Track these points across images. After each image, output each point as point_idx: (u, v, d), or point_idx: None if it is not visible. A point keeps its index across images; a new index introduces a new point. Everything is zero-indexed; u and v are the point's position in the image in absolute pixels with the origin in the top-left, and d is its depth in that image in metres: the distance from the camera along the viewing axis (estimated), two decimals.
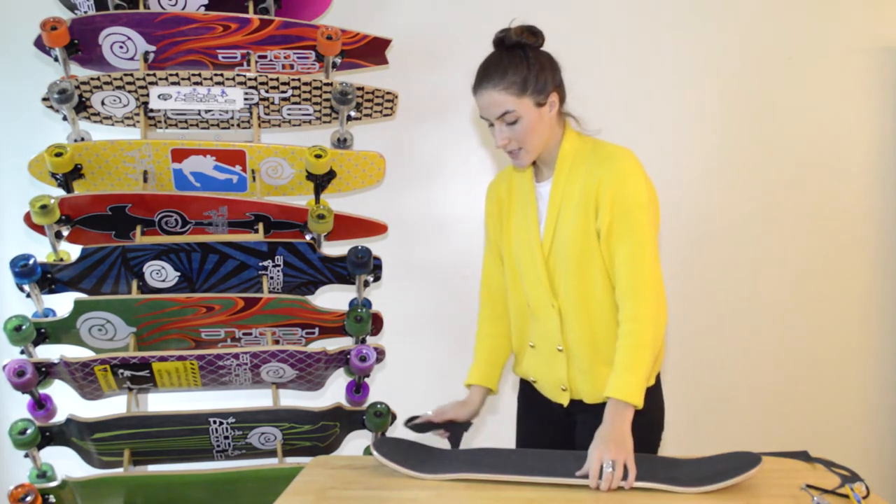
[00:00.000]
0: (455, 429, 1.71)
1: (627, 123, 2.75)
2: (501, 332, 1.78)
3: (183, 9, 2.31)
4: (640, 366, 1.49)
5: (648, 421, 1.64)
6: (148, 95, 2.24)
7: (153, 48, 2.28)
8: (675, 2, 2.73)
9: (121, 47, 2.27)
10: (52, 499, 2.06)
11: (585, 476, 1.42)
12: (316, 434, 2.16)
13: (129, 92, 2.24)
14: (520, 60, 1.54)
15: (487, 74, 1.55)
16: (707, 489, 1.37)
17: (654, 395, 1.65)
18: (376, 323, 2.29)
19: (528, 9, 2.71)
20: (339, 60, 2.36)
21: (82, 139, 2.26)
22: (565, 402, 1.67)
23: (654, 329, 1.51)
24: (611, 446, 1.43)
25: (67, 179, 2.15)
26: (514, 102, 1.53)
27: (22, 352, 2.11)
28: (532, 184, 1.67)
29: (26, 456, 2.14)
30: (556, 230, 1.60)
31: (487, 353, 1.77)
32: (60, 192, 2.16)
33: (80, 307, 2.09)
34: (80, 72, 2.32)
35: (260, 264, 2.19)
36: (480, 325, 1.81)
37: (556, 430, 1.72)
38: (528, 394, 1.79)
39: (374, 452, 1.55)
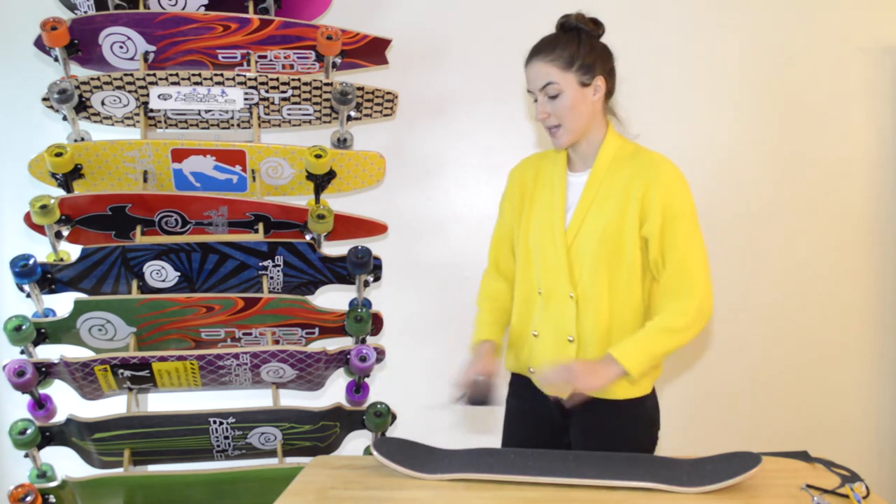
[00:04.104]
0: (488, 384, 1.63)
1: (633, 118, 2.75)
2: (505, 293, 1.79)
3: (183, 9, 2.31)
4: (654, 349, 1.54)
5: (647, 418, 1.67)
6: (148, 95, 2.24)
7: (153, 48, 2.28)
8: (677, 4, 2.73)
9: (121, 47, 2.27)
10: (52, 499, 2.06)
11: (584, 476, 1.43)
12: (316, 434, 2.16)
13: (129, 92, 2.24)
14: (572, 39, 1.59)
15: (539, 48, 1.61)
16: (707, 489, 1.37)
17: (653, 396, 1.69)
18: (376, 323, 2.29)
19: (528, 9, 2.72)
20: (339, 60, 2.36)
21: (82, 139, 2.26)
22: (566, 395, 1.65)
23: (689, 331, 1.55)
24: (583, 366, 1.51)
25: (67, 179, 2.15)
26: (558, 75, 1.57)
27: (22, 352, 2.11)
28: (564, 172, 1.68)
29: (26, 456, 2.14)
30: (584, 220, 1.61)
31: (493, 314, 1.77)
32: (60, 192, 2.16)
33: (80, 307, 2.09)
34: (80, 72, 2.32)
35: (260, 264, 2.19)
36: (484, 286, 1.82)
37: (547, 431, 1.71)
38: (520, 393, 1.76)
39: (374, 452, 1.55)
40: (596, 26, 1.63)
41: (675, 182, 1.58)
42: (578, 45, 1.58)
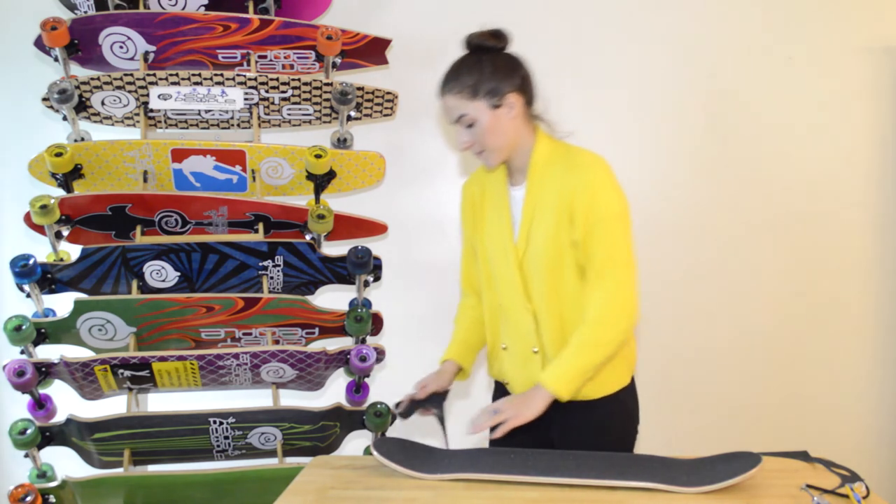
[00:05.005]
0: (437, 401, 1.70)
1: (631, 123, 2.75)
2: (481, 318, 1.79)
3: (183, 9, 2.31)
4: (583, 367, 1.52)
5: (627, 413, 1.69)
6: (148, 95, 2.24)
7: (153, 48, 2.28)
8: (677, 1, 2.74)
9: (121, 47, 2.27)
10: (52, 499, 2.06)
11: (584, 476, 1.43)
12: (316, 434, 2.16)
13: (129, 92, 2.24)
14: (474, 64, 1.57)
15: (445, 80, 1.60)
16: (707, 489, 1.37)
17: (629, 389, 1.70)
18: (376, 323, 2.29)
19: (527, 9, 2.72)
20: (339, 60, 2.36)
21: (82, 139, 2.26)
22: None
23: (613, 339, 1.53)
24: (514, 404, 1.50)
25: (67, 179, 2.15)
26: (468, 106, 1.56)
27: (22, 352, 2.11)
28: (506, 187, 1.68)
29: (26, 456, 2.14)
30: (530, 234, 1.61)
31: (464, 334, 1.80)
32: (60, 192, 2.16)
33: (80, 307, 2.09)
34: (80, 72, 2.32)
35: (260, 264, 2.19)
36: (460, 311, 1.84)
37: (530, 434, 1.69)
38: (503, 396, 1.78)
39: (374, 452, 1.55)
40: (498, 40, 1.60)
41: (598, 184, 1.55)
42: (481, 70, 1.56)
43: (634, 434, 1.71)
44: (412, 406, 1.70)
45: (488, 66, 1.57)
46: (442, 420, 1.71)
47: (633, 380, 1.71)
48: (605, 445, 1.60)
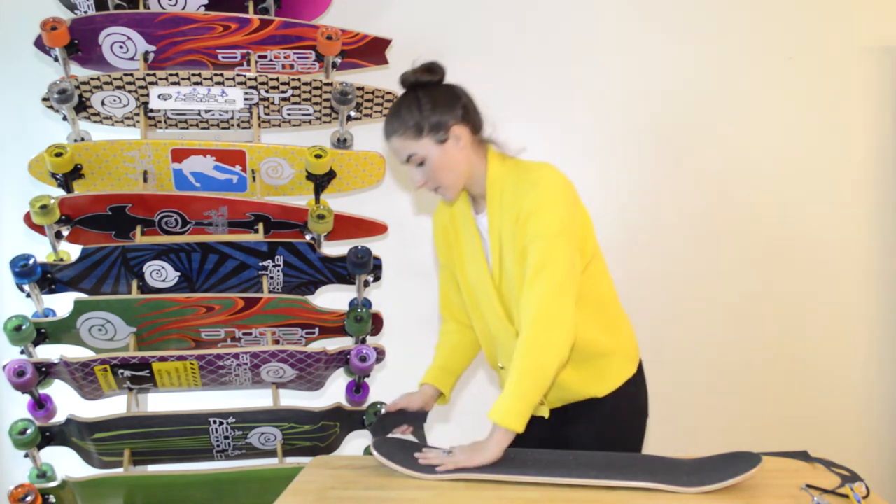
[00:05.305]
0: (413, 422, 1.71)
1: (630, 116, 2.75)
2: (461, 344, 1.81)
3: (183, 9, 2.31)
4: (528, 395, 1.48)
5: (636, 406, 1.71)
6: (148, 95, 2.24)
7: (153, 48, 2.28)
8: (677, 4, 2.74)
9: (121, 47, 2.27)
10: (52, 499, 2.06)
11: (584, 476, 1.43)
12: (316, 434, 2.16)
13: (129, 92, 2.24)
14: (412, 102, 1.56)
15: (388, 122, 1.58)
16: (707, 489, 1.37)
17: (637, 382, 1.71)
18: (376, 323, 2.29)
19: (527, 9, 2.72)
20: (339, 60, 2.36)
21: (82, 139, 2.26)
22: (546, 415, 1.69)
23: (547, 362, 1.48)
24: (467, 449, 1.49)
25: (67, 179, 2.15)
26: (414, 146, 1.56)
27: (22, 352, 2.11)
28: (471, 215, 1.67)
29: (26, 456, 2.14)
30: (502, 261, 1.60)
31: (444, 359, 1.80)
32: (60, 192, 2.16)
33: (80, 307, 2.09)
34: (80, 72, 2.32)
35: (260, 264, 2.19)
36: (440, 336, 1.85)
37: (545, 431, 1.72)
38: None
39: (374, 452, 1.55)
40: (433, 73, 1.58)
41: (540, 203, 1.52)
42: (420, 107, 1.54)
43: (644, 423, 1.72)
44: (382, 422, 1.71)
45: (427, 102, 1.55)
46: (423, 442, 1.70)
47: (639, 368, 1.72)
48: (616, 438, 1.61)
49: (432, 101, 1.55)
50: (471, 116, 1.60)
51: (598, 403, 1.66)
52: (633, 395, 1.70)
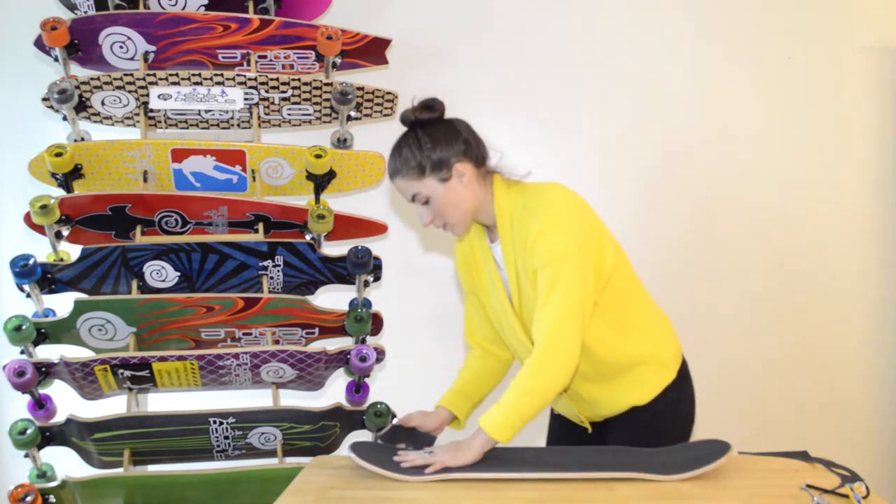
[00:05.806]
0: (417, 444, 1.67)
1: (630, 116, 2.75)
2: (483, 370, 1.78)
3: (183, 9, 2.31)
4: (525, 413, 1.49)
5: (679, 412, 1.71)
6: (148, 95, 2.24)
7: (153, 48, 2.28)
8: (678, 3, 2.74)
9: (121, 47, 2.27)
10: (52, 499, 2.06)
11: (575, 471, 1.45)
12: (316, 434, 2.16)
13: (129, 92, 2.24)
14: (413, 143, 1.55)
15: (391, 162, 1.58)
16: (683, 476, 1.42)
17: (679, 386, 1.69)
18: (376, 323, 2.29)
19: (527, 9, 2.72)
20: (339, 60, 2.36)
21: (82, 139, 2.25)
22: (590, 428, 1.73)
23: (550, 386, 1.49)
24: (450, 448, 1.50)
25: (67, 179, 2.15)
26: (418, 186, 1.55)
27: (22, 352, 2.11)
28: (487, 245, 1.66)
29: (26, 456, 2.14)
30: (520, 289, 1.60)
31: (463, 383, 1.77)
32: (60, 192, 2.16)
33: (80, 307, 2.09)
34: (80, 72, 2.32)
35: (260, 264, 2.19)
36: (464, 363, 1.82)
37: (585, 443, 1.76)
38: (556, 415, 1.86)
39: (352, 455, 1.51)
40: (431, 111, 1.56)
41: (546, 227, 1.51)
42: (420, 146, 1.53)
43: (688, 427, 1.72)
44: (393, 433, 1.70)
45: (427, 140, 1.54)
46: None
47: (681, 372, 1.70)
48: (657, 445, 1.60)
49: (432, 139, 1.54)
50: (473, 151, 1.58)
51: (640, 412, 1.65)
52: (674, 400, 1.67)
